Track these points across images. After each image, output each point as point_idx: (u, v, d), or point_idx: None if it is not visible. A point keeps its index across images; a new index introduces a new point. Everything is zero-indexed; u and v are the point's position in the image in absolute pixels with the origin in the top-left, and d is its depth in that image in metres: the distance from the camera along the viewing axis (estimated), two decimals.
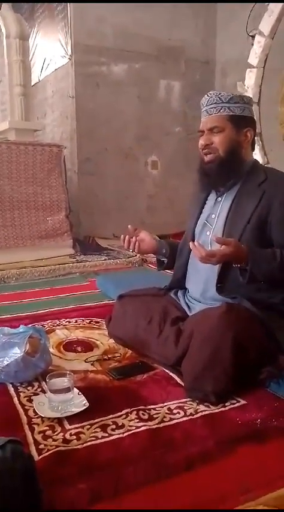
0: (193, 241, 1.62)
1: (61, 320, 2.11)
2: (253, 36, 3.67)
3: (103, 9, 4.18)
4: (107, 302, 2.42)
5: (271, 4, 3.42)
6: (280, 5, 3.33)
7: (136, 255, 3.48)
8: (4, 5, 4.07)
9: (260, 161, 3.38)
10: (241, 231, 1.47)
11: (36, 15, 5.08)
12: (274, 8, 3.38)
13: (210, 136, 1.54)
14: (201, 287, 1.60)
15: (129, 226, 1.70)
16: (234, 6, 4.33)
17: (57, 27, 4.48)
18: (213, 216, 1.60)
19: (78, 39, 4.17)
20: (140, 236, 1.69)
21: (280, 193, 1.47)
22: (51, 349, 1.66)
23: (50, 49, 4.70)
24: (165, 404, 1.31)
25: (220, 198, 1.61)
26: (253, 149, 1.63)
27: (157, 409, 1.29)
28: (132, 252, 1.70)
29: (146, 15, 4.35)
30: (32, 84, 4.11)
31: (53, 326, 2.03)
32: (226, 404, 1.30)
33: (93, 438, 1.15)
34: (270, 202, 1.47)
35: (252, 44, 3.62)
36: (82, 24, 4.17)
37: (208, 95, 1.55)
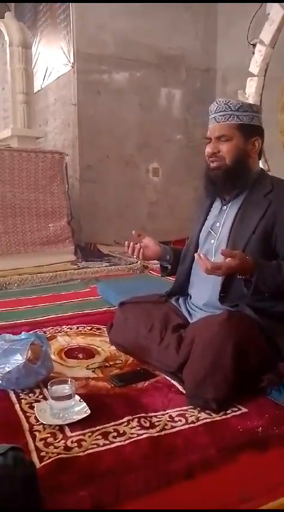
0: (197, 248, 1.62)
1: (62, 327, 2.12)
2: (254, 45, 3.70)
3: (104, 17, 4.22)
4: (108, 309, 2.43)
5: (271, 13, 3.45)
6: (280, 14, 3.36)
7: (137, 262, 3.49)
8: (7, 13, 4.11)
9: None
10: (246, 241, 1.46)
11: (39, 24, 5.14)
12: (275, 17, 3.41)
13: (217, 145, 1.52)
14: (204, 295, 1.59)
15: (133, 231, 1.69)
16: (234, 14, 4.37)
17: (60, 35, 4.52)
18: (218, 224, 1.60)
19: (79, 47, 4.21)
20: (144, 242, 1.69)
21: None
22: (52, 356, 1.66)
23: (52, 57, 4.74)
24: (167, 411, 1.31)
25: (225, 207, 1.60)
26: (260, 158, 1.61)
27: (158, 416, 1.29)
28: (136, 258, 1.70)
29: (146, 24, 4.39)
30: (34, 91, 4.13)
31: (54, 333, 2.03)
32: (228, 412, 1.30)
33: (94, 445, 1.15)
34: (276, 213, 1.46)
35: (253, 53, 3.65)
36: (84, 33, 4.21)
37: (217, 102, 1.53)
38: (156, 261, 1.84)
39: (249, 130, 1.51)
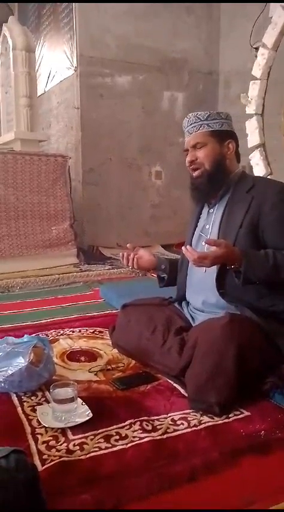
0: None
1: (65, 329, 2.12)
2: (256, 48, 3.70)
3: (107, 21, 4.24)
4: (111, 311, 2.43)
5: (274, 17, 3.45)
6: (283, 17, 3.37)
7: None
8: (11, 17, 4.14)
9: (264, 171, 3.39)
10: (235, 237, 1.50)
11: (42, 28, 5.16)
12: (278, 20, 3.41)
13: (194, 153, 1.60)
14: (201, 297, 1.62)
15: (128, 244, 1.75)
16: (237, 17, 4.38)
17: (63, 39, 4.54)
18: (207, 226, 1.65)
19: (82, 50, 4.23)
20: (138, 253, 1.74)
21: (268, 198, 1.51)
22: (54, 359, 1.66)
23: (56, 61, 4.76)
24: (169, 415, 1.31)
25: (212, 210, 1.65)
26: (238, 161, 1.67)
27: (160, 420, 1.28)
28: (131, 268, 1.75)
29: (149, 27, 4.41)
30: (38, 95, 4.15)
31: (57, 335, 2.04)
32: (230, 415, 1.30)
33: (96, 449, 1.15)
34: (260, 207, 1.50)
35: (256, 56, 3.65)
36: (87, 36, 4.23)
37: (187, 117, 1.62)
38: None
39: (221, 135, 1.59)
